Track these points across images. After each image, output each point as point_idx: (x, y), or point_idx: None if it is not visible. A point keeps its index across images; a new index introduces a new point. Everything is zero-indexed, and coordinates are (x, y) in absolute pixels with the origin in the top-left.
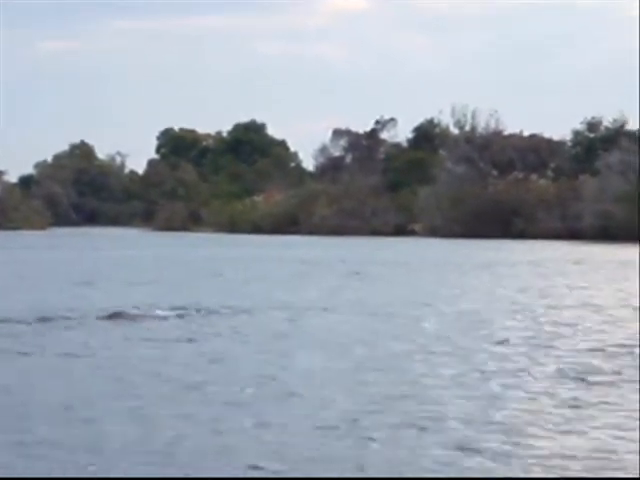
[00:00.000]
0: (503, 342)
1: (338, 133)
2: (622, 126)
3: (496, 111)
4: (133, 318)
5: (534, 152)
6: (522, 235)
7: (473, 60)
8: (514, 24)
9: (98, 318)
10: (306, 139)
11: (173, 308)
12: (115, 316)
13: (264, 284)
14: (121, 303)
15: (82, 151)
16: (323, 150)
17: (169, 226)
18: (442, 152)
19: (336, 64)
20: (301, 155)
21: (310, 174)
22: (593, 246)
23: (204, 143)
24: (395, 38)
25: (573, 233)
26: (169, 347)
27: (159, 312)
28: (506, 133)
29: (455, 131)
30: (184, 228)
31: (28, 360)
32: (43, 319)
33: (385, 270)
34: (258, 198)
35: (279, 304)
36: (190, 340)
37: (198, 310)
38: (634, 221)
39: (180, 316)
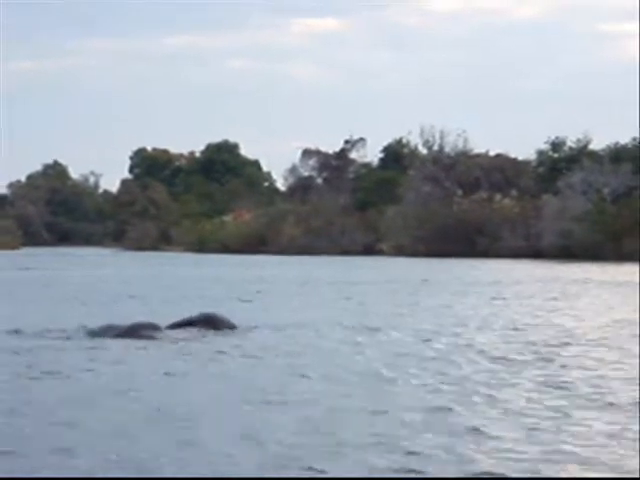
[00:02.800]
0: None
1: (308, 153)
2: (585, 146)
3: (464, 131)
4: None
5: (499, 172)
6: (486, 254)
7: (443, 79)
8: (483, 44)
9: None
10: (280, 159)
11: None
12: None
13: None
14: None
15: (56, 171)
16: (293, 170)
17: (139, 246)
18: (410, 172)
19: (309, 83)
20: (274, 175)
21: (282, 194)
22: (550, 265)
23: (177, 163)
24: (366, 57)
25: (535, 252)
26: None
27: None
28: (473, 153)
29: (424, 151)
30: (154, 247)
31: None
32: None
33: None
34: (227, 218)
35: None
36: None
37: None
38: (593, 240)
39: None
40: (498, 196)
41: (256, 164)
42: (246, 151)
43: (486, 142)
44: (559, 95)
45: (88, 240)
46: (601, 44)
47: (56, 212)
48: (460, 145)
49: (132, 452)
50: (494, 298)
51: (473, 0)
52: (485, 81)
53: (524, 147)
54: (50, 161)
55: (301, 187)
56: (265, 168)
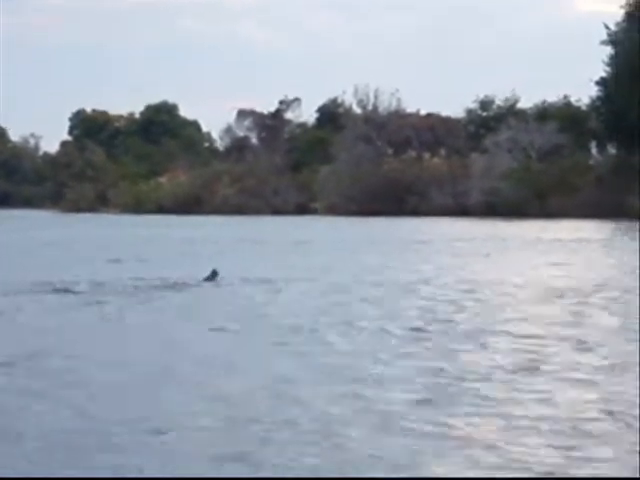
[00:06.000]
0: None
1: (242, 113)
2: (513, 105)
3: (397, 90)
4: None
5: (430, 131)
6: (415, 212)
7: (383, 39)
8: (422, 4)
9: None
10: (221, 119)
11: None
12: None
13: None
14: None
15: None
16: (228, 130)
17: (77, 207)
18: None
19: (255, 44)
20: (215, 135)
21: (220, 154)
22: (470, 222)
23: (116, 124)
24: (310, 17)
25: (463, 210)
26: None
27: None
28: (405, 112)
29: (358, 111)
30: (91, 209)
31: None
32: None
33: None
34: (162, 178)
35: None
36: None
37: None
38: (519, 198)
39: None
40: (427, 155)
41: (195, 124)
42: (186, 112)
43: (421, 101)
44: (497, 54)
45: (28, 202)
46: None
47: None
48: (393, 104)
49: None
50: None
51: None
52: (423, 41)
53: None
54: None
55: (237, 147)
56: (205, 128)
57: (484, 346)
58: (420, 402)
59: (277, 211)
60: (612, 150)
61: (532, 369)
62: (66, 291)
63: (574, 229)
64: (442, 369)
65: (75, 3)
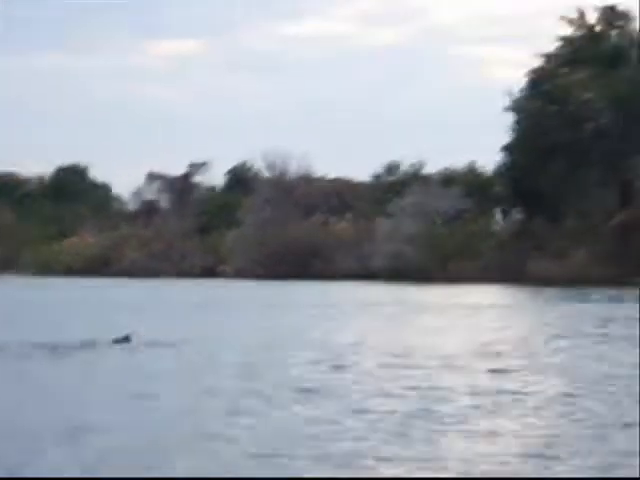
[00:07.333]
0: None
1: (152, 176)
2: (419, 170)
3: (306, 155)
4: None
5: (337, 195)
6: (321, 276)
7: (294, 103)
8: (336, 69)
9: None
10: (132, 181)
11: None
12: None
13: None
14: None
15: None
16: (137, 193)
17: None
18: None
19: (166, 106)
20: (125, 197)
21: (130, 217)
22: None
23: (26, 186)
24: (222, 80)
25: (369, 273)
26: None
27: None
28: (313, 177)
29: (267, 174)
30: None
31: None
32: None
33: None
34: (71, 240)
35: None
36: None
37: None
38: (423, 262)
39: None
40: (334, 219)
41: (105, 187)
42: (97, 175)
43: (329, 166)
44: (405, 120)
45: None
46: (455, 69)
47: None
48: (302, 169)
49: None
50: None
51: (328, 25)
52: (331, 106)
53: (366, 171)
54: None
55: (145, 210)
56: (116, 190)
57: None
58: None
59: (184, 274)
60: (517, 215)
61: None
62: None
63: (471, 294)
64: None
65: None
